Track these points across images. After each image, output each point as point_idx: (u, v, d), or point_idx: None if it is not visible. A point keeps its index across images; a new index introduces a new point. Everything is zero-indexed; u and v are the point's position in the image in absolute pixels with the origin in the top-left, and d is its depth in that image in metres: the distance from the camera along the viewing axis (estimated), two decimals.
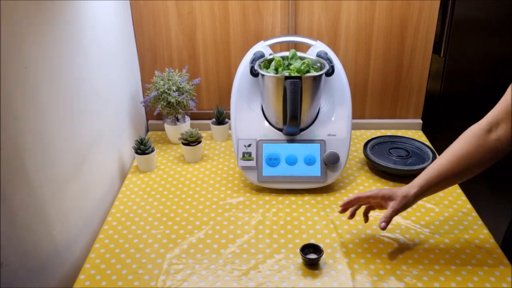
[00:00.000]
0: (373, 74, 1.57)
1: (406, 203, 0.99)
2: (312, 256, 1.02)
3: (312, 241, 1.09)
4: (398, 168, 1.32)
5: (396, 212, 1.00)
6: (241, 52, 1.52)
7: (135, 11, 1.49)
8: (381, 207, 1.05)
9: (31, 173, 0.88)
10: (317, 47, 1.33)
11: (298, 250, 1.03)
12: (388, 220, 1.00)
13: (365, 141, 1.45)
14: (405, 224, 1.14)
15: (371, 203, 1.07)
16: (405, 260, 1.03)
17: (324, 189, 1.28)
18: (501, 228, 1.18)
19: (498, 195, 1.80)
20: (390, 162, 1.35)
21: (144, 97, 1.56)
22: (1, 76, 0.77)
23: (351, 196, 1.08)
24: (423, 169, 1.31)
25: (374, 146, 1.44)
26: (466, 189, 1.28)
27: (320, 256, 1.00)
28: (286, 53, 1.30)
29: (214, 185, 1.32)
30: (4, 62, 0.78)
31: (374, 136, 1.49)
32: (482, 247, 1.06)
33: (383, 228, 0.99)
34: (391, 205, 1.00)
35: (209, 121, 1.57)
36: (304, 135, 1.28)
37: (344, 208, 1.08)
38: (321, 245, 1.03)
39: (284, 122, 1.24)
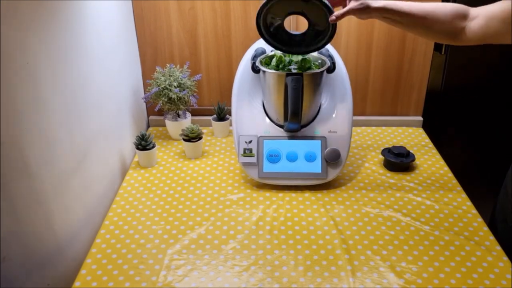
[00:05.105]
0: (374, 71, 1.57)
1: (364, 9, 1.01)
2: None
3: (313, 237, 1.09)
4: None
5: (351, 12, 1.02)
6: (242, 48, 1.52)
7: (136, 7, 1.49)
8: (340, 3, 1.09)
9: (33, 168, 0.88)
10: None
11: None
12: (339, 16, 1.04)
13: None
14: (405, 221, 1.15)
15: None
16: (405, 257, 1.03)
17: (325, 186, 1.28)
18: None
19: (498, 192, 1.80)
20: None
21: (145, 93, 1.56)
22: (3, 71, 0.77)
23: None
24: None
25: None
26: (466, 188, 1.28)
27: None
28: None
29: (215, 181, 1.32)
30: (6, 57, 0.78)
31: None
32: (482, 244, 1.06)
33: (332, 21, 1.06)
34: (350, 4, 1.03)
35: (210, 117, 1.57)
36: (305, 131, 1.28)
37: None
38: None
39: (285, 119, 1.24)
